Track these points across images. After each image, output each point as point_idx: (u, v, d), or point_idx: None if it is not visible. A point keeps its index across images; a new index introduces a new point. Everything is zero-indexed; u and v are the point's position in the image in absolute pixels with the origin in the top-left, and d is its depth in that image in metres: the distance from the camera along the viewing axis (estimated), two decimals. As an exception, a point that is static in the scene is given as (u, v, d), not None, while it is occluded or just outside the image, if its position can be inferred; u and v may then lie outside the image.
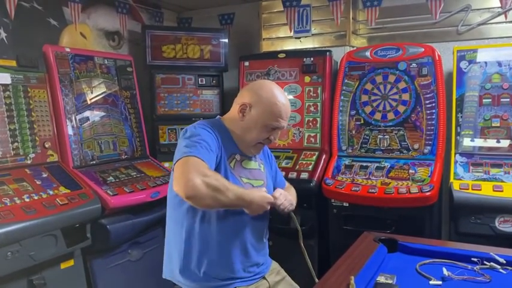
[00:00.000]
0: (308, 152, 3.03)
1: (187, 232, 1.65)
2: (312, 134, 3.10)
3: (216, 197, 1.48)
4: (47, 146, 2.55)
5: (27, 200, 2.20)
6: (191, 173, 1.45)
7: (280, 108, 1.67)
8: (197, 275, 1.64)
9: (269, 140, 1.73)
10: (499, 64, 2.68)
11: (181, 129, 3.42)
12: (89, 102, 2.83)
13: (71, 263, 2.40)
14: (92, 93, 2.87)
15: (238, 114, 1.71)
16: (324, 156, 2.97)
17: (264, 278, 1.76)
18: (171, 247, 1.72)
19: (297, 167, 2.92)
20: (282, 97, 1.71)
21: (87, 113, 2.81)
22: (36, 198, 2.24)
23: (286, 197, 1.74)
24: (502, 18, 2.93)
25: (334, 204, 2.73)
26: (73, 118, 2.71)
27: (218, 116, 1.83)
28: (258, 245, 1.74)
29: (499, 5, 2.86)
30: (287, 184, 2.03)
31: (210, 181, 1.46)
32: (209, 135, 1.62)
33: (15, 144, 2.41)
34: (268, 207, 1.68)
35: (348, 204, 2.68)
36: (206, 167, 1.49)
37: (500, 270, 1.53)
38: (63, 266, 2.36)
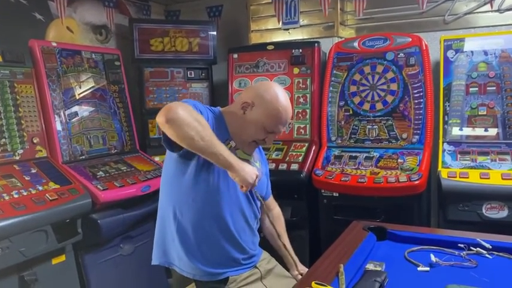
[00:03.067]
0: (298, 144, 3.04)
1: (179, 211, 1.66)
2: (302, 126, 3.11)
3: (197, 129, 1.45)
4: (35, 141, 2.53)
5: (16, 196, 2.18)
6: (176, 104, 1.50)
7: (281, 114, 1.68)
8: (189, 259, 1.66)
9: (264, 141, 1.75)
10: (485, 53, 2.71)
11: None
12: (77, 97, 2.82)
13: (63, 258, 2.40)
14: (80, 87, 2.85)
15: (239, 111, 1.72)
16: (313, 147, 2.98)
17: (255, 267, 1.78)
18: (164, 232, 1.73)
19: (287, 158, 2.93)
20: (285, 102, 1.71)
21: (75, 108, 2.79)
22: (25, 194, 2.23)
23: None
24: (487, 7, 2.95)
25: (324, 194, 2.75)
26: (61, 113, 2.69)
27: (219, 107, 1.83)
28: (248, 234, 1.75)
29: (485, -6, 2.89)
30: (271, 198, 2.02)
31: (193, 114, 1.48)
32: (204, 110, 1.65)
33: (3, 140, 2.39)
34: (254, 179, 1.59)
35: (338, 194, 2.69)
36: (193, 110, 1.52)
37: (486, 255, 1.56)
38: (54, 261, 2.35)
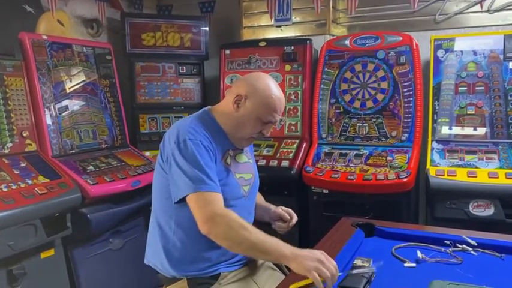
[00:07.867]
0: (289, 140, 3.06)
1: (176, 223, 1.65)
2: (293, 122, 3.12)
3: (243, 235, 1.45)
4: (24, 135, 2.51)
5: (5, 189, 2.17)
6: (212, 210, 1.48)
7: (275, 101, 1.66)
8: (183, 262, 1.66)
9: (262, 134, 1.73)
10: (475, 53, 2.74)
11: (162, 118, 3.46)
12: (67, 90, 2.80)
13: (52, 252, 2.39)
14: (70, 81, 2.83)
15: (232, 106, 1.68)
16: (304, 144, 3.00)
17: (246, 264, 1.79)
18: (157, 235, 1.72)
19: (278, 155, 2.95)
20: (277, 91, 1.70)
21: (65, 102, 2.77)
22: (14, 187, 2.21)
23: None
24: (478, 7, 2.99)
25: (314, 191, 2.77)
26: (51, 107, 2.67)
27: (207, 108, 1.78)
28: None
29: (475, -5, 2.92)
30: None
31: (232, 220, 1.47)
32: (205, 153, 1.57)
33: (-8, 133, 2.37)
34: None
35: (327, 191, 2.72)
36: (221, 203, 1.51)
37: (472, 252, 1.59)
38: (43, 255, 2.34)
